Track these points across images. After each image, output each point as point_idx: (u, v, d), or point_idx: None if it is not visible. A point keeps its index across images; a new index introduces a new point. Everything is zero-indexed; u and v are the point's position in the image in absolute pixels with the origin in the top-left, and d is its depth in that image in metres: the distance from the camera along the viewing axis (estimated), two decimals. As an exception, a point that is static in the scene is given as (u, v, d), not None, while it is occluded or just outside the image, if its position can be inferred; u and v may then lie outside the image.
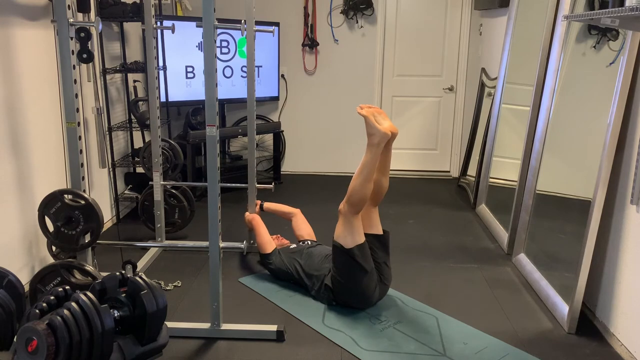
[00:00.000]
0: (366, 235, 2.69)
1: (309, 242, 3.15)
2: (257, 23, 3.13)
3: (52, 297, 1.56)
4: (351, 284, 2.66)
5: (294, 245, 3.14)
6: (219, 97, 2.35)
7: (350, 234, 2.62)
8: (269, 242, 3.11)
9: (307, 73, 5.29)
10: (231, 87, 4.77)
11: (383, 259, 2.76)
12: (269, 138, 5.32)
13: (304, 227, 3.33)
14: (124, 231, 3.79)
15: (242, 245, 2.60)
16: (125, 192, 4.12)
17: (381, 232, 2.78)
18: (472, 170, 4.69)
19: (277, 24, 4.95)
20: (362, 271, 2.63)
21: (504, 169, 3.95)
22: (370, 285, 2.67)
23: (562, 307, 2.65)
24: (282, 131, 5.17)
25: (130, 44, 4.22)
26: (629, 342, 2.37)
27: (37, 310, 1.51)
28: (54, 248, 2.76)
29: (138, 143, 4.21)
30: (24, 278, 2.74)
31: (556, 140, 3.10)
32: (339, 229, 2.67)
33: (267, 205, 3.47)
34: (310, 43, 5.17)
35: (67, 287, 1.61)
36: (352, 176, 2.66)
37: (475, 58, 5.13)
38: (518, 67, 3.83)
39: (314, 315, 2.69)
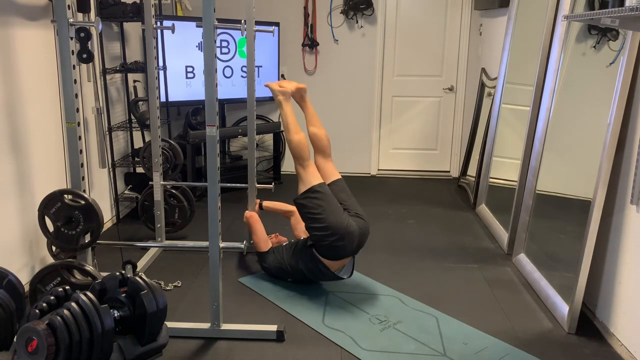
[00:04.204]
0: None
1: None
2: (257, 23, 3.13)
3: (52, 297, 1.56)
4: (322, 222, 2.73)
5: (287, 243, 3.16)
6: (219, 97, 2.35)
7: (305, 183, 2.81)
8: (264, 241, 3.12)
9: (307, 73, 5.29)
10: (231, 87, 4.76)
11: (346, 198, 2.89)
12: (269, 138, 5.32)
13: (302, 226, 3.32)
14: (124, 231, 3.79)
15: (242, 245, 2.60)
16: (125, 192, 4.12)
17: (338, 178, 2.97)
18: (472, 170, 4.69)
19: (277, 24, 4.95)
20: (323, 203, 2.73)
21: (504, 169, 3.95)
22: (341, 216, 2.74)
23: (562, 307, 2.65)
24: (282, 131, 5.16)
25: (130, 44, 4.22)
26: (629, 342, 2.37)
27: (37, 310, 1.51)
28: (54, 248, 2.76)
29: (138, 143, 4.21)
30: (24, 278, 2.74)
31: (556, 140, 3.10)
32: (299, 188, 2.84)
33: (267, 203, 3.47)
34: (310, 43, 5.17)
35: (67, 287, 1.61)
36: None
37: (475, 58, 5.13)
38: (518, 67, 3.83)
39: (314, 315, 2.69)
